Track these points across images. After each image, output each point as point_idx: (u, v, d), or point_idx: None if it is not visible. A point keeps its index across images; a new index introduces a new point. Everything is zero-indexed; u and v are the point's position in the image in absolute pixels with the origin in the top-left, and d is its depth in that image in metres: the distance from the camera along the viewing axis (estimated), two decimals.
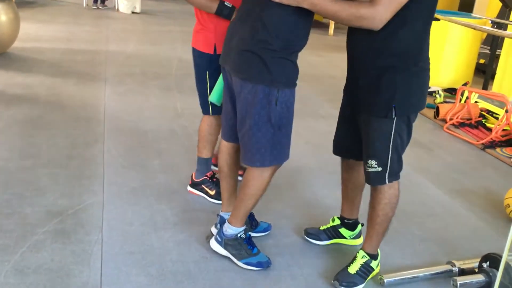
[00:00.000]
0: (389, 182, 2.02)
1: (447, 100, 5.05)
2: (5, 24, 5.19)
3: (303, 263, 2.26)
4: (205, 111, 2.65)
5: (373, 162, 2.01)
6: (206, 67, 2.49)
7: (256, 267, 2.17)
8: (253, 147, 2.00)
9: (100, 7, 9.29)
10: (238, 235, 2.18)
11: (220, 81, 2.26)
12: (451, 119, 4.42)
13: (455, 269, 2.23)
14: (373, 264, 2.16)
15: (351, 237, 2.42)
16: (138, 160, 3.16)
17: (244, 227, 2.20)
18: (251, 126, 1.96)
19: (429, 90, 5.28)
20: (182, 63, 5.69)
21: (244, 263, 2.17)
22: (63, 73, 4.89)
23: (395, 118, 1.93)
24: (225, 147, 2.24)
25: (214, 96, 2.32)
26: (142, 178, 2.92)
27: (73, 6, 9.25)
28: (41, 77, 4.72)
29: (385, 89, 1.92)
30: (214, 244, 2.23)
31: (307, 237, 2.42)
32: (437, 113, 4.55)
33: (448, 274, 2.22)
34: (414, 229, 2.65)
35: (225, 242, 2.18)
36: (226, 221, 2.20)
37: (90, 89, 4.48)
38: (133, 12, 8.96)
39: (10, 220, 2.37)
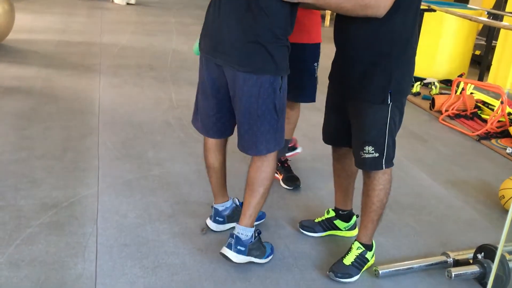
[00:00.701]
0: (385, 167, 2.05)
1: (443, 91, 5.05)
2: (0, 16, 5.13)
3: (298, 254, 2.26)
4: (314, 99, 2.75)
5: (370, 148, 2.02)
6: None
7: (272, 254, 2.21)
8: (260, 137, 1.98)
9: None
10: (255, 235, 2.13)
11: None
12: (446, 111, 4.42)
13: (450, 260, 2.23)
14: (368, 255, 2.17)
15: (346, 228, 2.42)
16: (133, 152, 3.15)
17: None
18: (259, 116, 1.94)
19: (425, 81, 5.29)
20: (177, 54, 5.66)
21: (266, 258, 2.17)
22: (57, 65, 4.85)
23: (391, 104, 1.97)
24: (213, 145, 2.21)
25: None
26: (137, 170, 2.91)
27: None
28: (35, 69, 4.68)
29: (381, 76, 1.94)
30: (236, 257, 2.07)
31: (302, 229, 2.42)
32: (432, 104, 4.55)
33: (443, 265, 2.22)
34: (409, 221, 2.66)
35: (249, 248, 2.09)
36: (241, 227, 2.08)
37: (84, 81, 4.45)
38: (128, 3, 8.89)
39: (4, 213, 2.36)
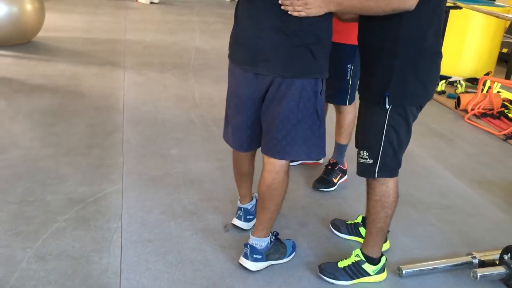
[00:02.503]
0: (378, 176, 1.92)
1: (469, 90, 4.96)
2: (30, 14, 5.25)
3: (321, 253, 2.25)
4: (350, 102, 2.71)
5: (364, 153, 1.93)
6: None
7: (294, 251, 2.21)
8: (299, 141, 1.91)
9: None
10: (271, 239, 2.12)
11: None
12: (472, 109, 4.34)
13: (476, 260, 2.20)
14: (367, 267, 2.05)
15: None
16: (156, 149, 3.18)
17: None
18: (299, 120, 1.88)
19: (450, 80, 5.20)
20: (200, 53, 5.69)
21: (287, 257, 2.17)
22: (83, 63, 4.93)
23: (389, 108, 1.83)
24: (246, 157, 2.18)
25: None
26: (160, 167, 2.94)
27: None
28: (62, 66, 4.77)
29: (380, 74, 1.84)
30: (253, 266, 2.06)
31: (331, 226, 2.42)
32: (458, 103, 4.48)
33: (468, 266, 2.19)
34: (433, 220, 2.62)
35: (267, 254, 2.08)
36: (254, 238, 2.07)
37: (109, 79, 4.52)
38: (151, 2, 8.97)
39: (32, 207, 2.41)
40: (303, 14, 1.76)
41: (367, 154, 1.93)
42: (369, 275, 2.07)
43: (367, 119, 1.93)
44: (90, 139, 3.23)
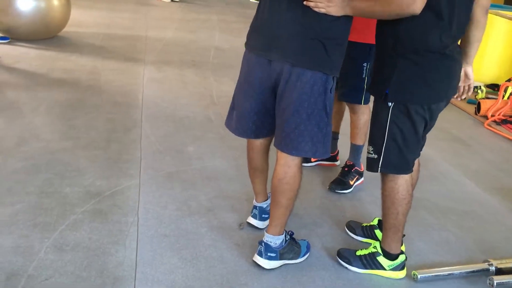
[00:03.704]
0: (380, 171, 1.98)
1: (489, 96, 4.89)
2: (57, 9, 5.33)
3: (335, 254, 2.24)
4: (366, 101, 2.71)
5: (370, 148, 2.00)
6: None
7: (308, 252, 2.21)
8: (307, 137, 1.93)
9: None
10: (286, 238, 2.13)
11: None
12: (492, 116, 4.29)
13: (492, 268, 2.17)
14: (381, 260, 2.09)
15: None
16: (174, 145, 3.21)
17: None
18: (308, 115, 1.90)
19: None
20: (219, 51, 5.71)
21: (302, 257, 2.17)
22: (103, 58, 4.99)
23: (391, 105, 1.88)
24: (260, 146, 2.18)
25: None
26: (177, 164, 2.96)
27: None
28: (83, 61, 4.83)
29: (383, 71, 1.91)
30: (267, 264, 2.07)
31: (346, 228, 2.42)
32: (478, 109, 4.42)
33: (485, 273, 2.17)
34: (450, 226, 2.60)
35: (281, 253, 2.09)
36: (269, 235, 2.08)
37: (129, 75, 4.56)
38: (172, 1, 9.03)
39: (51, 199, 2.45)
40: (323, 10, 1.80)
41: (372, 149, 1.99)
42: (384, 269, 2.11)
43: (374, 115, 2.01)
44: (109, 134, 3.26)
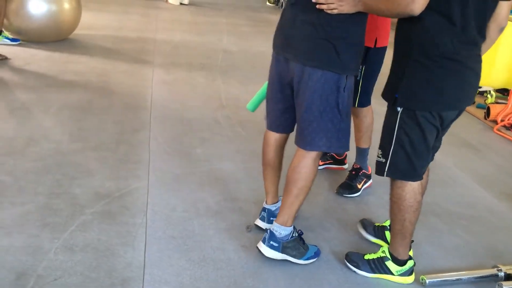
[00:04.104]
0: (387, 175, 1.99)
1: (499, 101, 4.87)
2: (68, 12, 5.37)
3: (343, 257, 2.24)
4: (361, 104, 2.72)
5: (379, 152, 2.01)
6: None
7: (315, 258, 2.20)
8: (320, 133, 2.00)
9: None
10: (293, 234, 2.14)
11: (261, 92, 2.34)
12: (502, 120, 4.26)
13: (501, 274, 2.16)
14: (390, 265, 2.09)
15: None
16: (182, 147, 3.22)
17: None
18: (321, 112, 1.98)
19: (480, 90, 5.11)
20: (227, 54, 5.73)
21: (305, 260, 2.16)
22: (113, 61, 5.02)
23: (400, 110, 1.88)
24: (275, 140, 2.24)
25: (251, 105, 2.43)
26: (185, 166, 2.97)
27: None
28: (93, 63, 4.86)
29: (395, 75, 1.92)
30: (268, 252, 2.11)
31: (359, 224, 2.43)
32: (487, 113, 4.40)
33: (494, 279, 2.15)
34: (459, 231, 2.58)
35: (284, 245, 2.10)
36: (276, 224, 2.12)
37: (138, 77, 4.59)
38: (181, 4, 9.08)
39: (60, 200, 2.47)
40: (335, 11, 1.85)
41: (381, 153, 2.00)
42: (392, 274, 2.10)
43: (385, 119, 2.01)
44: (118, 135, 3.28)
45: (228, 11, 8.94)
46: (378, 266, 2.11)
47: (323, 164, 3.06)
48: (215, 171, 2.95)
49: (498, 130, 4.17)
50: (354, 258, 2.16)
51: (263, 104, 2.32)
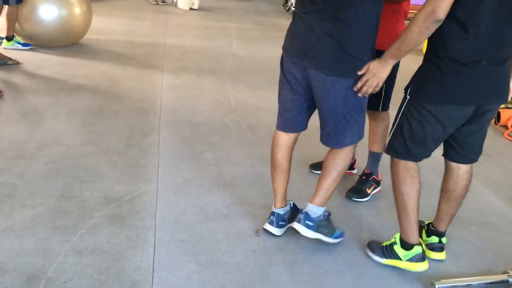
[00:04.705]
0: (385, 152, 2.21)
1: (509, 106, 4.83)
2: (79, 17, 5.43)
3: (352, 262, 2.24)
4: (384, 108, 2.74)
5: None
6: None
7: (341, 237, 2.34)
8: (346, 132, 2.15)
9: (160, 3, 9.53)
10: (325, 213, 2.26)
11: None
12: None
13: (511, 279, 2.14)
14: (397, 249, 2.17)
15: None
16: (191, 152, 3.23)
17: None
18: (345, 115, 2.10)
19: None
20: (236, 59, 5.75)
21: (334, 238, 2.29)
22: (123, 65, 5.06)
23: (408, 98, 2.05)
24: (283, 140, 2.29)
25: None
26: (194, 170, 2.98)
27: (134, 1, 9.54)
28: (103, 68, 4.91)
29: (418, 68, 2.06)
30: (304, 230, 2.24)
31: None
32: (498, 118, 4.37)
33: (504, 285, 2.14)
34: (469, 237, 2.57)
35: (318, 224, 2.23)
36: (311, 205, 2.24)
37: (148, 81, 4.62)
38: (191, 8, 9.14)
39: (70, 203, 2.49)
40: (378, 88, 2.03)
41: (389, 133, 2.20)
42: (400, 259, 2.17)
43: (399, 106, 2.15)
44: (128, 140, 3.31)
45: (237, 15, 8.98)
46: (389, 251, 2.19)
47: None
48: (224, 175, 2.96)
49: (509, 135, 4.14)
50: (372, 244, 2.28)
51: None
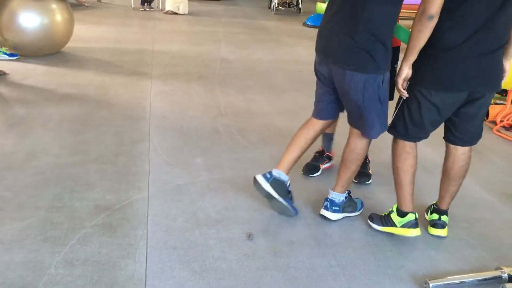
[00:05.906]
0: (388, 131, 2.41)
1: (498, 101, 4.86)
2: (60, 24, 5.40)
3: (346, 263, 2.23)
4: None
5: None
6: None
7: (363, 206, 2.66)
8: (369, 124, 2.35)
9: (147, 9, 9.51)
10: (347, 196, 2.56)
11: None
12: (501, 121, 4.26)
13: (505, 275, 2.14)
14: (394, 217, 2.40)
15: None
16: (182, 158, 3.22)
17: None
18: (365, 107, 2.29)
19: None
20: (225, 63, 5.75)
21: (358, 211, 2.62)
22: (111, 73, 5.03)
23: (407, 83, 2.23)
24: (313, 125, 2.55)
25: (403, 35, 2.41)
26: (185, 176, 2.97)
27: (121, 8, 9.52)
28: (91, 76, 4.88)
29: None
30: (333, 215, 2.53)
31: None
32: (486, 114, 4.39)
33: (497, 281, 2.14)
34: (461, 234, 2.57)
35: (343, 207, 2.54)
36: (334, 193, 2.52)
37: (136, 88, 4.60)
38: (176, 13, 9.11)
39: (60, 213, 2.46)
40: (405, 94, 2.23)
41: (393, 114, 2.39)
42: (395, 225, 2.40)
43: None
44: (118, 147, 3.28)
45: (225, 20, 8.98)
46: (386, 219, 2.43)
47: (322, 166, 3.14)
48: (215, 180, 2.94)
49: (498, 130, 4.17)
50: (373, 216, 2.53)
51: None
